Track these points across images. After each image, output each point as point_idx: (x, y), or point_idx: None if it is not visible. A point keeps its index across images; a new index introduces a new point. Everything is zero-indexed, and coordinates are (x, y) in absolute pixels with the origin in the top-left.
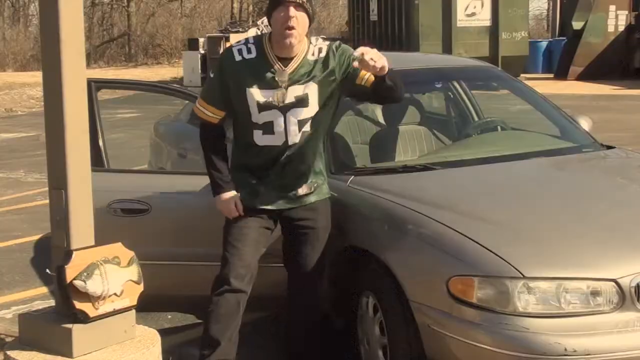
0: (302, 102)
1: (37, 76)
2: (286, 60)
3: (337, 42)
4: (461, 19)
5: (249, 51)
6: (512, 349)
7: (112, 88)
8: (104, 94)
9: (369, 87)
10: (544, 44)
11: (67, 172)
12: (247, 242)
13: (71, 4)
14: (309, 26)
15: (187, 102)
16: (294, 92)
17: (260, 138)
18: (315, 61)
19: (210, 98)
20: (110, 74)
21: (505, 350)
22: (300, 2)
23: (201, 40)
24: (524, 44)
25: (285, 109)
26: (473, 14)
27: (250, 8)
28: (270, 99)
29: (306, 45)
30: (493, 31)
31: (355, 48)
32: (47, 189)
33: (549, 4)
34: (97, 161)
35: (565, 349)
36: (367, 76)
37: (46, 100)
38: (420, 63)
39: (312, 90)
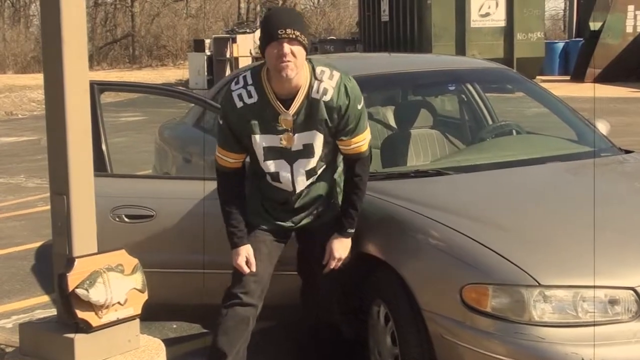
0: (308, 152)
1: (38, 78)
2: (288, 100)
3: (346, 85)
4: (475, 20)
5: (249, 95)
6: None
7: (115, 90)
8: (107, 97)
9: (344, 152)
10: (560, 45)
11: (69, 177)
12: (259, 257)
13: (73, 4)
14: (306, 56)
15: (192, 105)
16: (300, 140)
17: (270, 181)
18: (318, 102)
19: (229, 145)
20: (113, 76)
21: None
22: (294, 36)
23: (207, 41)
24: (539, 45)
25: (292, 159)
26: (487, 14)
27: (258, 8)
28: (276, 144)
29: (308, 78)
30: (508, 32)
31: (366, 50)
32: (48, 194)
33: (565, 3)
34: (100, 166)
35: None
36: (353, 146)
37: (47, 103)
38: (433, 65)
39: (317, 141)
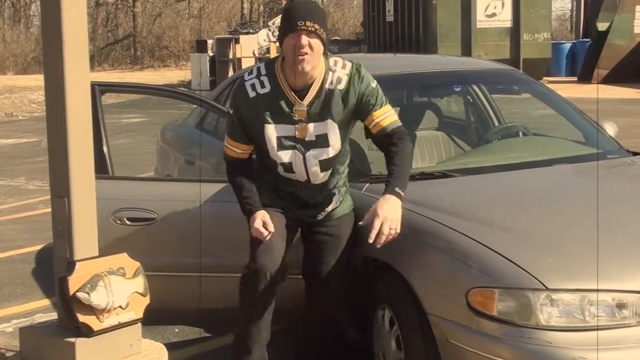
0: (322, 142)
1: (38, 79)
2: (302, 91)
3: (358, 70)
4: (481, 20)
5: (262, 85)
6: None
7: (116, 92)
8: (108, 98)
9: (373, 132)
10: (567, 45)
11: (70, 180)
12: (274, 234)
13: (74, 4)
14: (323, 51)
15: (194, 106)
16: (314, 130)
17: (282, 172)
18: (333, 92)
19: (237, 135)
20: (114, 77)
21: None
22: (313, 29)
23: (210, 42)
24: (546, 46)
25: (305, 149)
26: (493, 15)
27: (261, 8)
28: (290, 134)
29: (323, 70)
30: (514, 32)
31: (371, 51)
32: (49, 197)
33: (572, 4)
34: (101, 168)
35: None
36: (376, 121)
37: (48, 105)
38: (438, 66)
39: (332, 130)
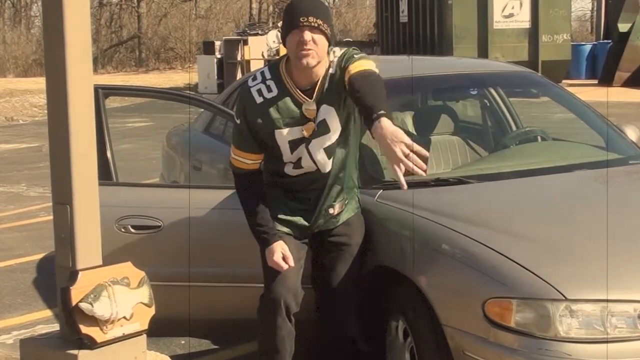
0: (323, 129)
1: (40, 82)
2: (309, 90)
3: (344, 51)
4: (498, 20)
5: (269, 89)
6: None
7: (121, 95)
8: (112, 102)
9: (350, 75)
10: (587, 47)
11: (72, 186)
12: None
13: (77, 4)
14: (329, 47)
15: (202, 110)
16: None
17: (291, 171)
18: (332, 77)
19: (246, 145)
20: (118, 80)
21: None
22: (316, 24)
23: (217, 43)
24: (566, 48)
25: (308, 141)
26: (511, 15)
27: (271, 9)
28: (299, 136)
29: (326, 65)
30: (533, 33)
31: (384, 53)
32: (50, 204)
33: (593, 4)
34: (105, 174)
35: None
36: (351, 71)
37: (50, 109)
38: (454, 68)
39: (329, 114)
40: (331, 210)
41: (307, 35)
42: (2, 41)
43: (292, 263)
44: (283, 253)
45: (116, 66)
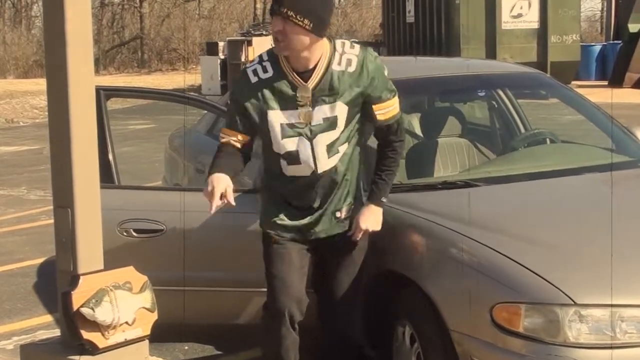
0: (330, 125)
1: (40, 84)
2: (306, 74)
3: (369, 53)
4: (506, 21)
5: (264, 70)
6: None
7: (123, 97)
8: (114, 103)
9: (374, 119)
10: (597, 48)
11: (73, 189)
12: (291, 270)
13: (78, 4)
14: (317, 35)
15: (205, 112)
16: (321, 113)
17: (286, 168)
18: (342, 73)
19: (235, 125)
20: (120, 81)
21: None
22: (287, 15)
23: (221, 44)
24: (575, 48)
25: (312, 135)
26: (519, 15)
27: None
28: (294, 121)
29: (328, 51)
30: (541, 34)
31: (390, 54)
32: (51, 207)
33: (602, 4)
34: (107, 177)
35: None
36: (382, 111)
37: (50, 110)
38: (461, 69)
39: (341, 112)
40: (338, 214)
41: (277, 24)
42: (2, 42)
43: (232, 200)
44: (226, 189)
45: (118, 67)
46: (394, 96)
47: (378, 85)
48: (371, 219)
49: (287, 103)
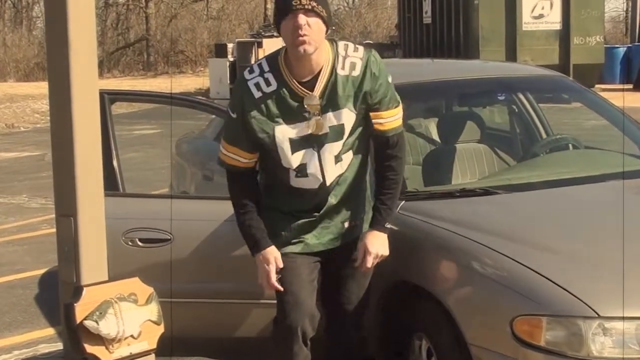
0: (338, 134)
1: (42, 87)
2: (310, 82)
3: (373, 55)
4: (527, 22)
5: (267, 83)
6: None
7: (128, 101)
8: (118, 108)
9: (374, 128)
10: (621, 50)
11: (76, 197)
12: (301, 285)
13: (81, 4)
14: (327, 32)
15: (213, 116)
16: (328, 122)
17: (294, 180)
18: (347, 78)
19: (238, 140)
20: (125, 85)
21: None
22: (310, 6)
23: (230, 46)
24: (599, 50)
25: (319, 145)
26: (541, 16)
27: None
28: (303, 133)
29: (331, 56)
30: (564, 35)
31: (406, 56)
32: (53, 215)
33: (627, 4)
34: (111, 184)
35: None
36: (382, 121)
37: (52, 115)
38: (481, 72)
39: (348, 119)
40: (346, 224)
41: (302, 19)
42: (3, 43)
43: (280, 264)
44: (276, 261)
45: (123, 70)
46: (396, 106)
47: (380, 89)
48: (377, 244)
49: (294, 116)
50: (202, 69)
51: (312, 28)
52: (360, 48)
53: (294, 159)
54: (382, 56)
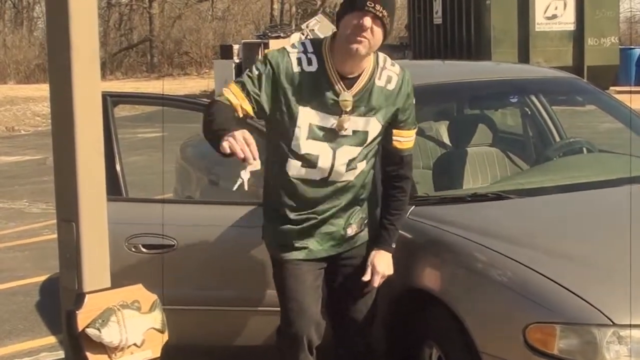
0: (359, 139)
1: (43, 89)
2: (349, 80)
3: (408, 74)
4: (540, 22)
5: (309, 62)
6: None
7: (131, 103)
8: (121, 110)
9: (390, 144)
10: (637, 51)
11: (78, 202)
12: (306, 292)
13: (83, 4)
14: (382, 43)
15: None
16: (354, 125)
17: (297, 170)
18: (382, 90)
19: (249, 88)
20: (129, 87)
21: None
22: (381, 14)
23: (235, 47)
24: (613, 52)
25: (337, 144)
26: (554, 17)
27: (293, 10)
28: (326, 125)
29: (372, 63)
30: (577, 36)
31: (416, 57)
32: (54, 221)
33: None
34: (114, 189)
35: None
36: (400, 139)
37: (54, 118)
38: (492, 74)
39: (373, 129)
40: (349, 230)
41: (368, 21)
42: (3, 45)
43: (255, 154)
44: (244, 136)
45: (126, 72)
46: (414, 128)
47: (409, 109)
48: (384, 264)
49: (323, 104)
50: (207, 70)
51: (373, 35)
52: (397, 64)
53: (306, 146)
54: (391, 58)
